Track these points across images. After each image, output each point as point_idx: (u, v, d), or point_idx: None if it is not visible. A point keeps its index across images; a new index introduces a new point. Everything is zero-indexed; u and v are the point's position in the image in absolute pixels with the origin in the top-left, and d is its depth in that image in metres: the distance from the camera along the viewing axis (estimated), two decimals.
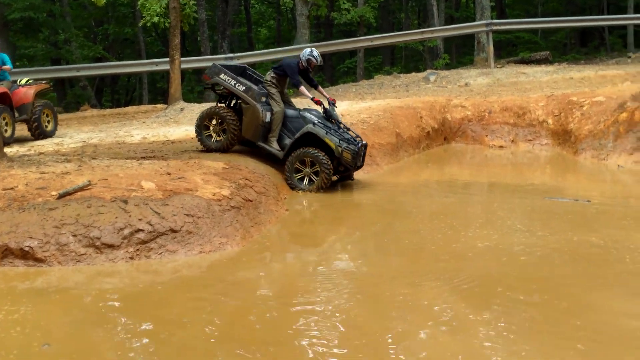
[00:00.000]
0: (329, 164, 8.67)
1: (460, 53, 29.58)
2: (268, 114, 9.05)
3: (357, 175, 9.60)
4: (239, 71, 9.68)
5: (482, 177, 10.72)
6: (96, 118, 15.85)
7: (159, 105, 18.05)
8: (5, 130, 10.94)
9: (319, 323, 4.52)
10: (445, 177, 10.58)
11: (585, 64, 19.96)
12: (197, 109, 14.24)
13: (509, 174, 10.84)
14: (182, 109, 14.32)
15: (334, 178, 9.07)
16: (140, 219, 6.00)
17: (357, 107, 12.98)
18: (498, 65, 19.25)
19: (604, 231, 6.69)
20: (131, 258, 5.81)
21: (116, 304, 4.98)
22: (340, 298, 5.03)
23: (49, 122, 12.01)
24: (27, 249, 5.64)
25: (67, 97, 27.20)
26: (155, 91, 30.90)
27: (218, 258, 6.05)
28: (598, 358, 3.96)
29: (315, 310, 4.75)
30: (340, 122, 9.21)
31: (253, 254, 6.22)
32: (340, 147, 8.70)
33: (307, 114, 9.12)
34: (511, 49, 28.25)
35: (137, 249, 5.87)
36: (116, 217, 5.95)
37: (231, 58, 17.93)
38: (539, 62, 20.35)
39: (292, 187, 8.76)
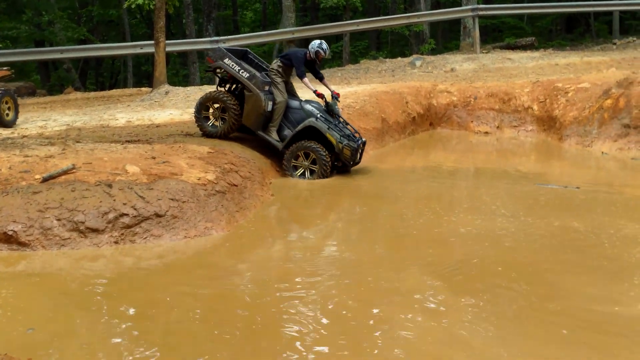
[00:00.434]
0: (328, 159, 8.66)
1: (447, 38, 29.58)
2: (270, 103, 8.91)
3: None
4: (240, 54, 9.50)
5: (467, 163, 10.77)
6: (80, 101, 15.72)
7: (143, 89, 17.93)
8: None
9: (302, 308, 4.56)
10: (431, 162, 10.62)
11: (570, 50, 20.03)
12: (182, 93, 14.17)
13: (494, 160, 10.90)
14: (167, 93, 14.23)
15: None
16: (124, 203, 5.99)
17: (343, 91, 12.96)
18: (484, 51, 19.28)
19: (586, 217, 6.77)
20: (116, 242, 5.81)
21: (100, 288, 4.99)
22: (324, 283, 5.06)
23: (9, 110, 11.23)
24: (10, 232, 5.61)
25: (51, 80, 26.97)
26: (140, 74, 30.67)
27: (203, 243, 6.06)
28: (572, 343, 4.02)
29: (298, 296, 4.78)
30: (340, 117, 9.17)
31: (238, 239, 6.24)
32: (341, 143, 8.68)
33: (308, 106, 9.04)
34: (497, 35, 28.29)
35: (122, 234, 5.87)
36: (100, 201, 5.93)
37: (217, 41, 17.82)
38: (524, 47, 20.37)
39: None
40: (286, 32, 19.00)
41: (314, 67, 9.32)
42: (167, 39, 16.02)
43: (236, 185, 7.09)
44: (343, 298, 4.75)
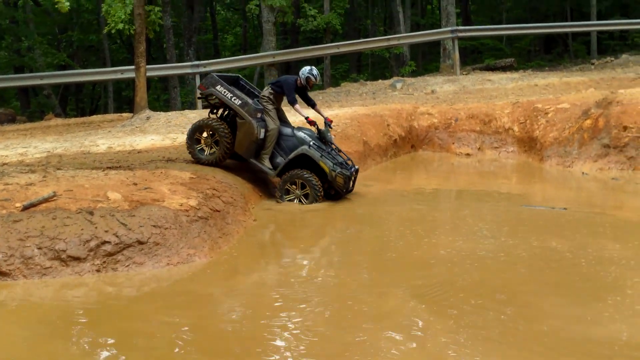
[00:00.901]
0: (321, 188, 8.63)
1: (427, 60, 29.86)
2: (263, 131, 8.84)
3: None
4: (232, 80, 9.47)
5: (450, 185, 10.82)
6: (61, 127, 15.63)
7: (124, 114, 17.87)
8: None
9: (283, 335, 4.54)
10: (413, 185, 10.64)
11: (549, 70, 20.26)
12: (163, 118, 14.15)
13: (476, 182, 10.94)
14: (148, 118, 14.21)
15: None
16: (106, 231, 5.95)
17: (324, 115, 12.99)
18: (464, 72, 19.47)
19: (568, 238, 6.81)
20: (98, 271, 5.76)
21: (81, 317, 4.96)
22: (306, 309, 5.04)
23: None
24: None
25: (31, 106, 26.79)
26: (120, 100, 30.62)
27: (186, 270, 6.02)
28: None
29: (281, 323, 4.76)
30: (332, 144, 9.15)
31: (221, 265, 6.21)
32: (334, 171, 8.62)
33: (301, 134, 9.00)
34: (476, 56, 28.62)
35: (104, 261, 5.82)
36: (82, 229, 5.89)
37: (197, 65, 17.85)
38: (504, 69, 20.61)
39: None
40: (267, 55, 19.07)
41: (305, 93, 9.30)
42: (148, 63, 16.03)
43: (219, 211, 7.07)
44: (326, 323, 4.75)
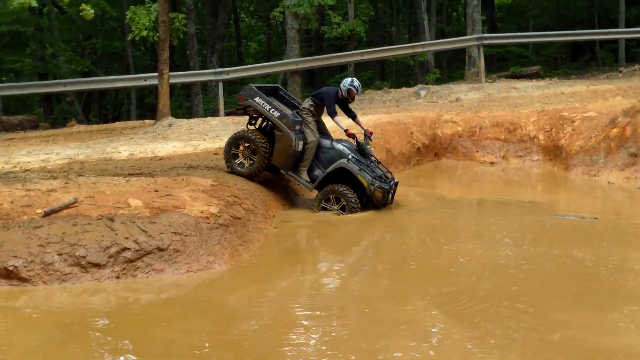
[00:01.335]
0: (357, 201, 8.45)
1: (451, 68, 29.65)
2: (301, 143, 8.72)
3: None
4: (271, 91, 9.38)
5: (473, 194, 10.70)
6: (83, 134, 15.72)
7: (147, 121, 17.94)
8: None
9: (303, 344, 4.49)
10: (437, 193, 10.53)
11: (576, 78, 19.99)
12: (185, 125, 14.16)
13: (500, 191, 10.84)
14: (170, 125, 14.23)
15: None
16: (126, 238, 5.93)
17: (347, 122, 12.88)
18: (489, 80, 19.27)
19: (590, 246, 6.69)
20: (117, 277, 5.75)
21: (99, 323, 4.95)
22: (327, 319, 4.99)
23: None
24: (11, 268, 5.55)
25: (54, 113, 27.10)
26: (143, 106, 30.80)
27: (205, 277, 5.98)
28: None
29: (300, 332, 4.72)
30: (372, 156, 9.01)
31: (241, 273, 6.16)
32: (373, 185, 8.45)
33: (340, 146, 8.86)
34: (502, 64, 28.33)
35: (124, 268, 5.81)
36: (102, 236, 5.88)
37: (220, 72, 17.89)
38: (530, 76, 20.34)
39: None
40: (290, 62, 19.07)
41: (346, 105, 9.18)
42: (171, 70, 16.08)
43: (239, 218, 7.02)
44: (349, 334, 4.68)
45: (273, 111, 8.67)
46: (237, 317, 5.12)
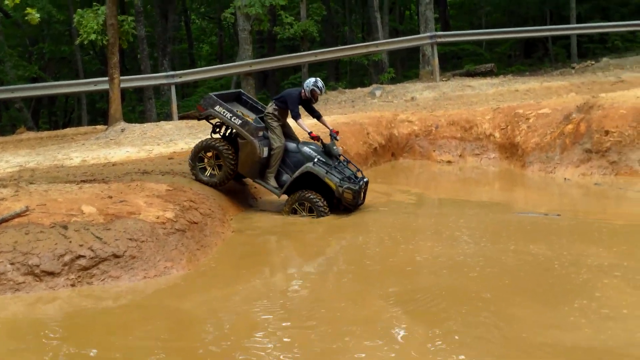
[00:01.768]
0: (326, 207, 8.38)
1: (406, 67, 29.79)
2: (265, 149, 8.61)
3: None
4: (233, 96, 9.23)
5: (431, 193, 10.76)
6: (33, 141, 15.36)
7: (98, 127, 17.63)
8: None
9: (264, 349, 4.49)
10: (395, 193, 10.55)
11: (530, 75, 20.24)
12: (138, 130, 13.97)
13: (458, 190, 10.91)
14: (123, 130, 14.02)
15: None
16: (81, 245, 5.86)
17: (310, 122, 12.88)
18: (444, 79, 19.39)
19: (546, 242, 6.81)
20: (72, 285, 5.69)
21: (55, 332, 4.90)
22: (287, 322, 5.00)
23: None
24: None
25: (2, 120, 26.47)
26: (94, 112, 30.25)
27: (163, 283, 5.94)
28: None
29: (258, 335, 4.72)
30: (340, 157, 8.91)
31: (199, 278, 6.12)
32: (341, 187, 8.34)
33: (306, 149, 8.74)
34: (456, 62, 28.51)
35: (79, 276, 5.75)
36: (56, 244, 5.81)
37: (172, 76, 17.68)
38: (484, 74, 20.49)
39: None
40: (243, 64, 18.92)
41: (310, 105, 9.07)
42: (122, 74, 15.84)
43: (196, 223, 6.96)
44: (305, 336, 4.71)
45: (235, 119, 8.57)
46: (195, 323, 5.10)
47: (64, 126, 25.75)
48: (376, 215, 8.64)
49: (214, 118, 8.85)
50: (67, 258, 5.72)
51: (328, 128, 9.09)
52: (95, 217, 6.26)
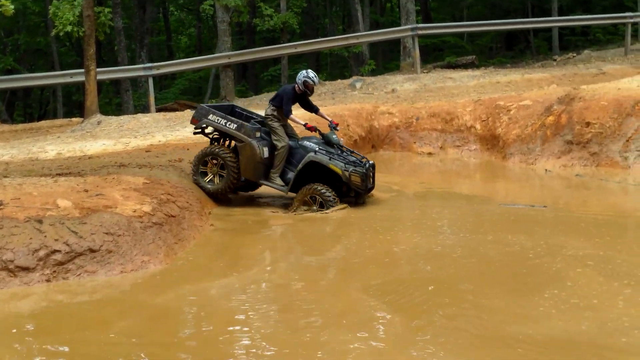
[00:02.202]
0: (336, 198, 8.26)
1: (387, 59, 29.79)
2: (265, 150, 8.50)
3: None
4: (227, 110, 9.13)
5: (411, 185, 10.75)
6: (7, 134, 15.16)
7: (74, 119, 17.45)
8: None
9: (241, 345, 4.45)
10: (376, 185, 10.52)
11: (511, 67, 20.35)
12: (115, 122, 13.83)
13: (439, 181, 10.91)
14: (99, 122, 13.86)
15: (344, 206, 8.40)
16: (56, 240, 5.76)
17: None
18: (424, 71, 19.40)
19: (525, 233, 6.82)
20: (48, 280, 5.59)
21: (30, 327, 4.85)
22: (265, 316, 4.98)
23: None
24: None
25: None
26: (70, 104, 29.93)
27: (140, 277, 5.88)
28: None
29: (238, 330, 4.69)
30: (341, 146, 8.79)
31: (176, 272, 6.06)
32: (347, 170, 8.22)
33: (306, 143, 8.64)
34: (437, 54, 28.56)
35: (54, 271, 5.65)
36: (30, 238, 5.70)
37: (150, 67, 17.50)
38: (465, 66, 20.56)
39: None
40: (222, 56, 18.79)
41: (306, 99, 8.96)
42: (99, 66, 15.68)
43: (174, 216, 6.89)
44: (283, 329, 4.73)
45: (230, 124, 8.49)
46: (171, 317, 5.05)
47: (39, 119, 25.49)
48: (357, 207, 8.60)
49: (213, 131, 8.81)
50: (42, 253, 5.63)
51: (327, 120, 9.02)
52: (70, 211, 6.16)
